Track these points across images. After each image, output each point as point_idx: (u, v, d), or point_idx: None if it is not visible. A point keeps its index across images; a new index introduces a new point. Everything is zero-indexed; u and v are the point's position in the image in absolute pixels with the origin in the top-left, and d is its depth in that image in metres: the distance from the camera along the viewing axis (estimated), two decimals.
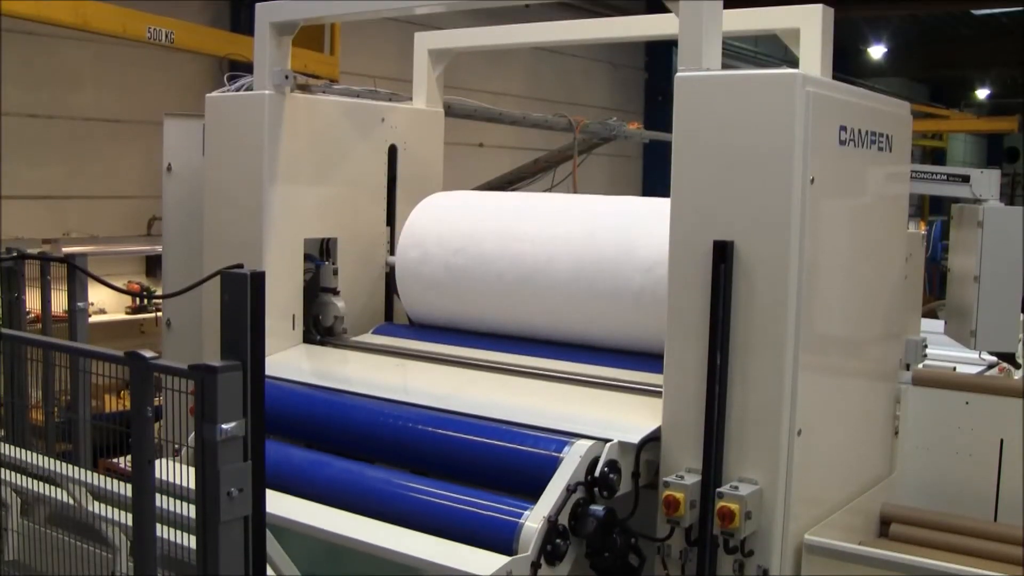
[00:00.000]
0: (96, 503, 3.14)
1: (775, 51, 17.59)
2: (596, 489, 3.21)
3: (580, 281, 4.04)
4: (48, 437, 3.78)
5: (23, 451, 3.32)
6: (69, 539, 3.16)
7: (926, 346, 4.28)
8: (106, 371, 2.85)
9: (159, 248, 5.66)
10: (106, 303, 9.35)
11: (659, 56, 17.19)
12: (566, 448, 3.27)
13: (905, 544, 3.69)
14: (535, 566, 3.00)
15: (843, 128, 3.38)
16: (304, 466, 3.57)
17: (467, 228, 4.43)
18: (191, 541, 2.45)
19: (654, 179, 16.56)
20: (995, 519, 3.94)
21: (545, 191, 6.48)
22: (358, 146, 4.64)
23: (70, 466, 3.13)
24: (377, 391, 3.87)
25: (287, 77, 4.23)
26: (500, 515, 3.14)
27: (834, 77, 3.65)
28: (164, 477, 2.60)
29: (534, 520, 3.07)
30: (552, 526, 3.06)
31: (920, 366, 4.28)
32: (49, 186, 9.53)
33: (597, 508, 3.17)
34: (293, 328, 4.37)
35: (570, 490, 3.14)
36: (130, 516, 2.64)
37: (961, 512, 3.87)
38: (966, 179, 6.74)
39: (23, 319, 3.95)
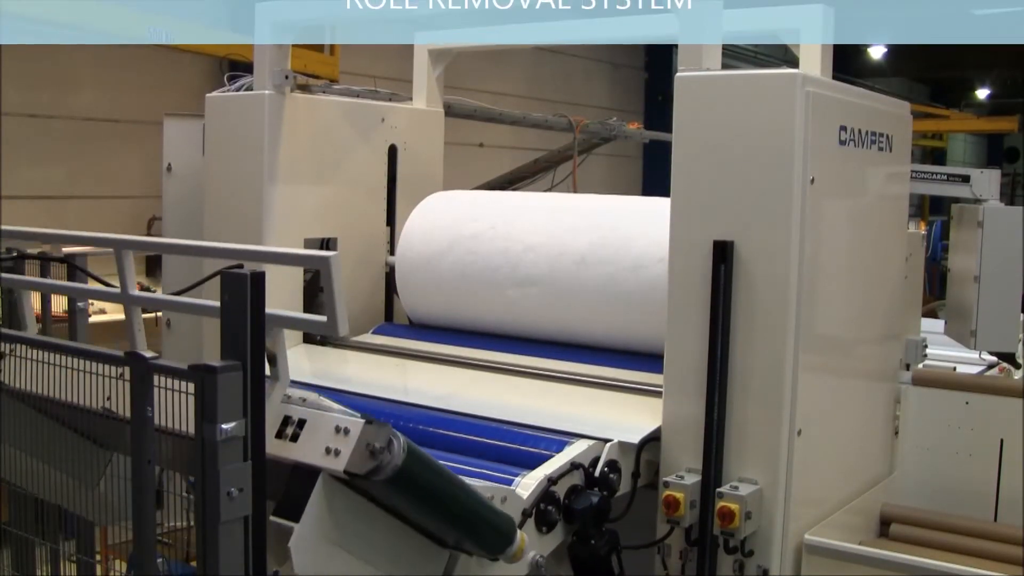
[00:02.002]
0: None
1: (775, 51, 17.57)
2: (596, 488, 3.20)
3: (580, 281, 4.04)
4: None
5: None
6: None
7: (926, 346, 4.27)
8: (106, 371, 2.85)
9: None
10: (106, 303, 9.34)
11: (659, 56, 17.17)
12: (566, 448, 3.26)
13: (905, 544, 3.69)
14: (526, 514, 2.95)
15: (843, 128, 3.38)
16: None
17: (467, 228, 4.42)
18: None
19: (654, 179, 16.53)
20: (995, 519, 3.95)
21: (545, 191, 6.48)
22: (358, 146, 4.64)
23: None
24: (377, 391, 3.86)
25: (287, 77, 4.22)
26: (496, 483, 3.09)
27: (834, 77, 3.66)
28: None
29: (533, 478, 3.04)
30: (549, 486, 3.03)
31: (920, 366, 4.28)
32: (49, 186, 9.51)
33: (594, 492, 3.15)
34: None
35: (573, 465, 3.12)
36: None
37: (961, 512, 3.87)
38: (966, 179, 6.75)
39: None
